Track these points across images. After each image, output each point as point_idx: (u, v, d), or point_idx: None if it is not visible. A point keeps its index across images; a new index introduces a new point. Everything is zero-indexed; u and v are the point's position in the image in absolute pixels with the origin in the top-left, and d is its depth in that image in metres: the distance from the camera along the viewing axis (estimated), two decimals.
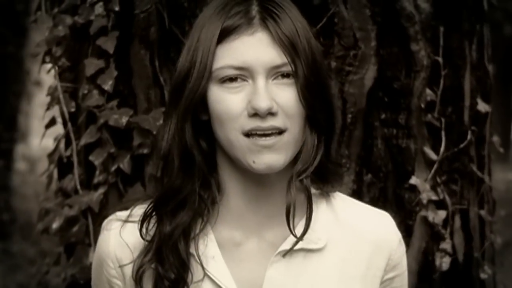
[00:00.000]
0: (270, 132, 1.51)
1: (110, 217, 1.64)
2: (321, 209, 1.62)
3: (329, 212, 1.63)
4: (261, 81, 1.51)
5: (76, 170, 2.37)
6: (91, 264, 2.27)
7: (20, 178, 11.39)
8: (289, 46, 1.52)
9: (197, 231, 1.57)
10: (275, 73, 1.52)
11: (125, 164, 2.28)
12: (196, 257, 1.56)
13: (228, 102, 1.52)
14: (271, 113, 1.50)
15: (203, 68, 1.52)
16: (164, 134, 1.58)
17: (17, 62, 9.29)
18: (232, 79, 1.52)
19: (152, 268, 1.56)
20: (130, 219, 1.61)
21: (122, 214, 1.63)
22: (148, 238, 1.58)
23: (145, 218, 1.58)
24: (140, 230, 1.58)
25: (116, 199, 2.31)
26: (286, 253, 1.57)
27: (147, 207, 1.59)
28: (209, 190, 1.58)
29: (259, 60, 1.51)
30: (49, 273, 2.47)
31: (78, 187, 2.36)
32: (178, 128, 1.56)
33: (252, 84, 1.52)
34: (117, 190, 2.31)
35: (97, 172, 2.32)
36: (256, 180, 1.57)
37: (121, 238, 1.59)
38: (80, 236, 2.34)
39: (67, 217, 2.34)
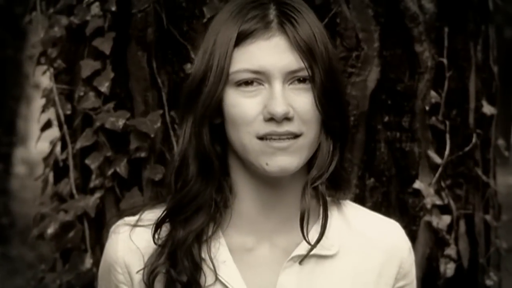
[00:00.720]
0: (285, 137, 1.51)
1: (118, 222, 1.64)
2: (333, 216, 1.62)
3: (341, 219, 1.64)
4: (277, 85, 1.51)
5: (72, 174, 2.34)
6: (87, 270, 2.28)
7: (19, 182, 11.40)
8: (306, 51, 1.52)
9: (209, 234, 1.57)
10: (291, 77, 1.52)
11: (122, 168, 2.25)
12: (208, 261, 1.56)
13: (244, 106, 1.52)
14: (287, 118, 1.51)
15: (220, 71, 1.53)
16: (179, 138, 1.58)
17: (16, 66, 9.30)
18: (248, 82, 1.52)
19: (163, 272, 1.56)
20: (140, 223, 1.61)
21: (130, 219, 1.63)
22: (159, 242, 1.58)
23: (160, 223, 1.58)
24: (154, 235, 1.57)
25: (112, 203, 2.28)
26: (302, 260, 1.57)
27: (162, 213, 1.58)
28: (222, 194, 1.58)
29: (276, 65, 1.51)
30: (44, 279, 2.43)
31: (74, 191, 2.32)
32: (195, 133, 1.56)
33: (269, 88, 1.52)
34: (114, 194, 2.28)
35: (93, 176, 2.28)
36: (269, 184, 1.58)
37: (132, 241, 1.59)
38: (76, 242, 2.31)
39: (63, 222, 2.30)
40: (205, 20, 2.17)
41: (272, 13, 1.54)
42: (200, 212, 1.57)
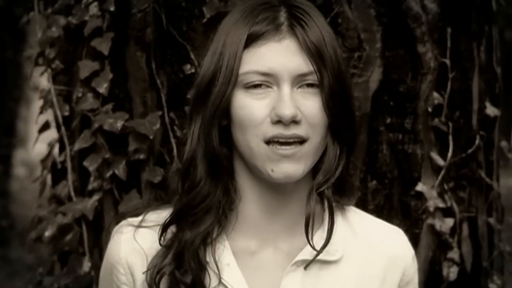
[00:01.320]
0: (292, 140, 1.51)
1: (121, 223, 1.64)
2: (337, 222, 1.62)
3: (345, 224, 1.64)
4: (286, 88, 1.51)
5: (70, 176, 2.32)
6: (85, 273, 2.26)
7: (19, 184, 11.38)
8: (316, 55, 1.52)
9: (214, 236, 1.57)
10: (300, 81, 1.52)
11: (120, 170, 2.23)
12: (212, 264, 1.56)
13: (252, 108, 1.52)
14: (294, 121, 1.51)
15: (229, 72, 1.53)
16: (187, 139, 1.58)
17: (16, 67, 9.28)
18: (256, 85, 1.52)
19: (166, 274, 1.56)
20: (143, 224, 1.60)
21: (134, 220, 1.62)
22: (164, 243, 1.58)
23: (167, 224, 1.58)
24: (160, 237, 1.57)
25: (111, 206, 2.26)
26: (307, 265, 1.57)
27: (170, 215, 1.58)
28: (228, 197, 1.58)
29: (285, 67, 1.51)
30: (42, 282, 2.41)
31: (72, 194, 2.31)
32: (204, 134, 1.56)
33: (277, 91, 1.52)
34: (112, 197, 2.26)
35: (92, 179, 2.26)
36: (273, 189, 1.57)
37: (135, 242, 1.59)
38: (74, 245, 2.29)
39: (61, 225, 2.28)
40: (204, 20, 2.16)
41: (283, 16, 1.54)
42: (208, 214, 1.57)
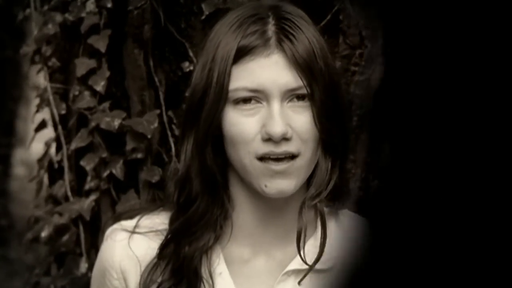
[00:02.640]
0: (283, 156, 1.50)
1: (115, 226, 1.63)
2: (330, 229, 1.60)
3: (338, 231, 1.62)
4: (276, 104, 1.49)
5: (67, 176, 2.30)
6: (82, 275, 2.24)
7: (19, 184, 11.36)
8: (305, 69, 1.50)
9: (209, 245, 1.57)
10: (290, 95, 1.50)
11: (118, 169, 2.21)
12: (207, 274, 1.56)
13: (242, 125, 1.51)
14: (285, 138, 1.49)
15: (219, 90, 1.51)
16: (181, 155, 1.57)
17: (15, 66, 9.26)
18: (246, 100, 1.51)
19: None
20: (137, 230, 1.60)
21: (127, 224, 1.61)
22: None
23: (165, 244, 1.57)
24: (159, 254, 1.56)
25: (108, 206, 2.24)
26: (301, 280, 1.56)
27: (167, 234, 1.57)
28: (223, 207, 1.58)
29: (275, 83, 1.49)
30: (39, 284, 2.39)
31: (69, 193, 2.29)
32: (198, 152, 1.54)
33: (267, 107, 1.50)
34: (110, 197, 2.24)
35: (89, 178, 2.25)
36: (267, 199, 1.56)
37: (130, 250, 1.58)
38: (71, 246, 2.28)
39: (57, 225, 2.27)
40: (203, 17, 2.14)
41: (271, 29, 1.51)
42: (206, 230, 1.56)
